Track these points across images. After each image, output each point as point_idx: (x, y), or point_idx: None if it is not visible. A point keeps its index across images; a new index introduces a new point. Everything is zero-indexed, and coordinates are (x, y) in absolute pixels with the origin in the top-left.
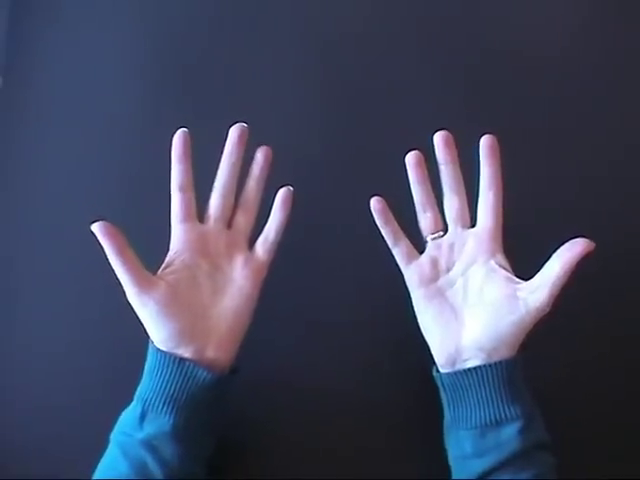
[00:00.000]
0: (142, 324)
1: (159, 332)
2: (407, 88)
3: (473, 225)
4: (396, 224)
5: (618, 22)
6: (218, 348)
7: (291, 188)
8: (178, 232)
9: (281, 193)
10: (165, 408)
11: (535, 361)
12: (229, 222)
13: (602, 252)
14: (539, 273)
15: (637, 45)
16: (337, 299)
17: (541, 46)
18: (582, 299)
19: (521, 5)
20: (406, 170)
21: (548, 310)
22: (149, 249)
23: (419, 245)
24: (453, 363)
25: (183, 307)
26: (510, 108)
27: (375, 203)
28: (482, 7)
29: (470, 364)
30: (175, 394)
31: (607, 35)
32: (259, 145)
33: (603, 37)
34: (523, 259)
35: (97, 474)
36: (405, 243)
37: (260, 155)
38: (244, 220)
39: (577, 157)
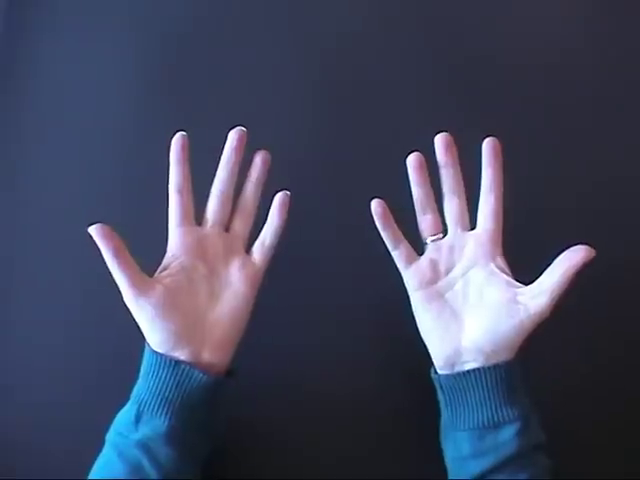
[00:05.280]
0: (138, 326)
1: (156, 334)
2: (407, 90)
3: (473, 227)
4: (396, 227)
5: (618, 22)
6: (214, 351)
7: (288, 193)
8: (176, 235)
9: (278, 197)
10: (160, 410)
11: (534, 364)
12: (227, 226)
13: (604, 256)
14: (540, 279)
15: (637, 45)
16: (335, 302)
17: (543, 48)
18: (582, 302)
19: (522, 6)
20: (405, 172)
21: (548, 315)
22: (146, 252)
23: (418, 247)
24: (452, 365)
25: (180, 310)
26: (511, 110)
27: (376, 206)
28: (483, 8)
29: (469, 366)
30: (171, 396)
31: (607, 35)
32: (257, 149)
33: (603, 37)
34: (523, 263)
35: (92, 475)
36: (405, 246)
37: (258, 159)
38: (242, 224)
39: (578, 160)
